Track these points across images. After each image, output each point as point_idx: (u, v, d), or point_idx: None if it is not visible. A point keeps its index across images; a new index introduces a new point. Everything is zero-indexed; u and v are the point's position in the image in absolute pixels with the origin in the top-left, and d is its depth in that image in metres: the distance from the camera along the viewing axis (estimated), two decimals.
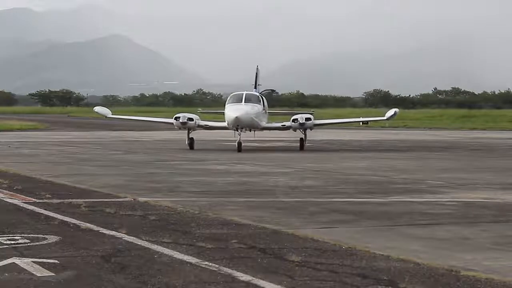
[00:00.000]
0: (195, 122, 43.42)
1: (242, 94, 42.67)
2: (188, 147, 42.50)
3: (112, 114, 48.76)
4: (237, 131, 41.09)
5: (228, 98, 43.72)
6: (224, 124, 42.92)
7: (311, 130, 44.00)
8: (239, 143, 40.26)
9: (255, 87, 49.19)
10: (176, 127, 44.25)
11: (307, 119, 42.98)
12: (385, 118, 45.18)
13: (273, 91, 45.54)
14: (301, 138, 43.04)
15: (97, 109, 49.05)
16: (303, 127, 42.87)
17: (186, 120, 43.18)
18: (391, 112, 44.89)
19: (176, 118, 43.58)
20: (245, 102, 41.67)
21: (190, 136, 43.23)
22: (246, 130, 42.05)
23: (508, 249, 12.39)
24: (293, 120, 43.02)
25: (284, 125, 43.79)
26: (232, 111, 41.20)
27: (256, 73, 50.54)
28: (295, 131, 43.78)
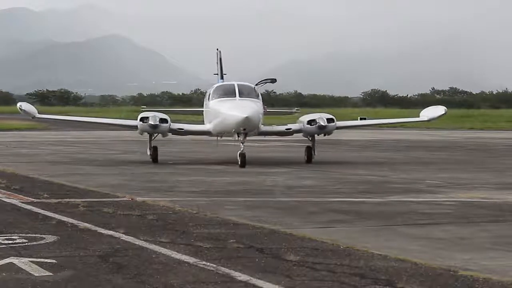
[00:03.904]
0: (169, 124, 32.25)
1: (233, 85, 31.95)
2: (150, 159, 32.25)
3: (39, 114, 35.46)
4: (239, 137, 30.28)
5: (212, 91, 32.70)
6: (204, 127, 33.05)
7: (328, 135, 33.35)
8: (243, 155, 29.69)
9: (222, 77, 38.33)
10: (139, 132, 32.62)
11: (329, 120, 32.28)
12: (426, 119, 35.34)
13: (273, 80, 36.39)
14: (308, 147, 32.75)
15: (24, 106, 34.40)
16: (323, 131, 32.36)
17: (157, 123, 31.79)
18: (437, 111, 35.16)
19: (143, 120, 32.01)
20: (239, 96, 31.17)
21: (153, 145, 32.49)
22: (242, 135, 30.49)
23: (506, 249, 12.39)
24: (310, 122, 32.23)
25: (290, 129, 33.28)
26: (234, 109, 30.18)
27: (220, 59, 39.33)
28: (307, 137, 33.20)
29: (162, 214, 16.22)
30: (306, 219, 15.70)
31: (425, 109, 36.07)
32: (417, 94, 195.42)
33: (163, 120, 32.00)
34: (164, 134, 32.88)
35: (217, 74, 39.27)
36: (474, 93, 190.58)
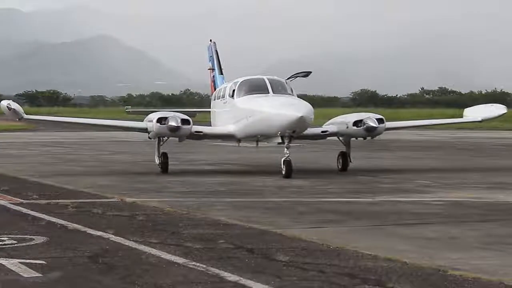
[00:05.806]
0: (191, 126, 26.65)
1: (263, 79, 27.02)
2: (159, 169, 27.41)
3: (27, 115, 28.72)
4: (283, 142, 25.14)
5: (237, 87, 27.40)
6: (226, 129, 27.63)
7: (372, 138, 28.20)
8: (288, 162, 24.91)
9: (221, 73, 34.30)
10: (152, 135, 27.22)
11: (380, 120, 27.42)
12: (479, 120, 30.46)
13: (307, 74, 31.35)
14: (343, 152, 28.20)
15: (13, 105, 27.35)
16: (372, 134, 27.41)
17: (179, 124, 26.14)
18: (494, 110, 30.71)
19: (160, 121, 26.35)
20: (273, 93, 26.20)
21: (162, 151, 27.54)
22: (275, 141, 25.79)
23: (495, 248, 12.42)
24: (356, 123, 27.21)
25: (326, 132, 28.26)
26: (282, 107, 25.03)
27: (216, 51, 35.01)
28: (345, 140, 28.57)
29: (152, 214, 16.21)
30: (296, 219, 15.71)
31: (471, 108, 31.59)
32: (406, 94, 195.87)
33: (185, 122, 26.49)
34: (181, 138, 27.42)
35: (213, 69, 35.00)
36: (463, 92, 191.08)
